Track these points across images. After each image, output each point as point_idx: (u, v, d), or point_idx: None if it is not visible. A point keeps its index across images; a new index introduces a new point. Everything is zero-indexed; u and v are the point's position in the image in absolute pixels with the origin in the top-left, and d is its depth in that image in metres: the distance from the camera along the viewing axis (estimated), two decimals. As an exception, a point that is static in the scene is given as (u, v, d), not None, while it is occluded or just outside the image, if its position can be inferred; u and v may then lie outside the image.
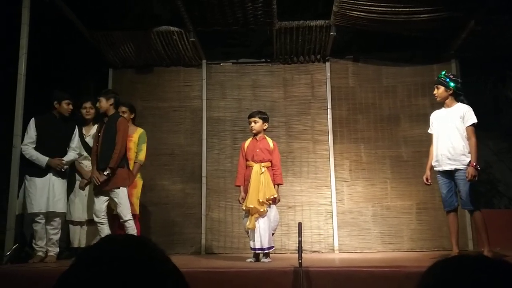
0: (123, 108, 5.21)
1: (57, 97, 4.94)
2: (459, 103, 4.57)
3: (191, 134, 6.77)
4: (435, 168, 4.61)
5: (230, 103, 6.84)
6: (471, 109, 4.49)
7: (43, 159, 4.76)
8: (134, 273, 0.81)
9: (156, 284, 0.83)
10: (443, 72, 4.70)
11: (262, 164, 4.75)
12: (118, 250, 0.86)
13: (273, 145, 4.91)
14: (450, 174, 4.47)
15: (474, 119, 4.43)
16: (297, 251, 3.68)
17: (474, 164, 4.27)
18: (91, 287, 0.79)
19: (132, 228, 4.68)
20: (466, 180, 4.30)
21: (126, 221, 4.67)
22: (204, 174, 6.58)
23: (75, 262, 0.86)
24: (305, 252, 3.95)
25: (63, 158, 4.87)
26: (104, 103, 4.74)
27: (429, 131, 4.81)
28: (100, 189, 4.65)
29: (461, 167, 4.36)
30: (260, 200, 4.59)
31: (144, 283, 0.81)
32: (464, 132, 4.44)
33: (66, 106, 4.94)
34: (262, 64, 6.97)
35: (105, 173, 4.57)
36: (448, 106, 4.60)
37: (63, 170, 4.87)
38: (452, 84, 4.55)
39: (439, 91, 4.59)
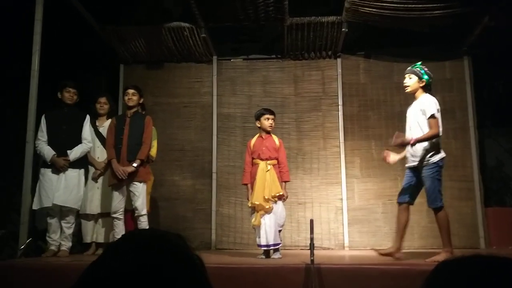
0: None
1: (59, 87, 4.97)
2: (424, 94, 4.28)
3: (202, 130, 6.78)
4: (406, 165, 4.39)
5: (241, 99, 6.84)
6: (432, 100, 4.18)
7: (47, 155, 4.77)
8: (158, 265, 0.82)
9: (181, 276, 0.84)
10: (419, 63, 4.39)
11: (268, 161, 4.73)
12: (142, 243, 0.88)
13: (279, 142, 4.89)
14: (415, 171, 4.24)
15: (432, 111, 4.08)
16: (307, 248, 3.68)
17: (413, 141, 4.05)
18: (114, 280, 0.81)
19: (145, 223, 4.72)
20: (430, 177, 4.09)
21: (141, 215, 4.70)
22: (214, 170, 6.59)
23: (101, 256, 0.88)
24: (315, 248, 3.94)
25: (69, 155, 4.81)
26: (138, 98, 4.86)
27: None
28: (119, 185, 4.64)
29: (424, 163, 4.13)
30: (266, 197, 4.57)
31: (168, 276, 0.82)
32: (425, 126, 4.12)
33: (66, 94, 4.94)
34: (272, 60, 6.96)
35: (134, 164, 4.61)
36: (416, 99, 4.33)
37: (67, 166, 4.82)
38: (426, 76, 4.26)
39: (411, 81, 4.28)
